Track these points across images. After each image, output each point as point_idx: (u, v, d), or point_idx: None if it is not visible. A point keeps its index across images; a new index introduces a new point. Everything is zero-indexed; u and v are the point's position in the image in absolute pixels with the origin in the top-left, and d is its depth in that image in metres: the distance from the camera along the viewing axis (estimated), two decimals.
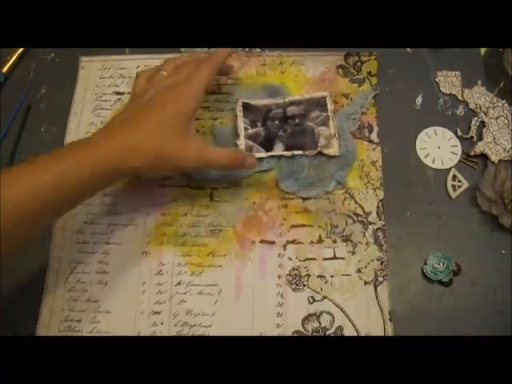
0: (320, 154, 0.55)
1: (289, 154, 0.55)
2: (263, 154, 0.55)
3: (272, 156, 0.55)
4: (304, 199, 0.54)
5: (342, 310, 0.50)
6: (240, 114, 0.56)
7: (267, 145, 0.55)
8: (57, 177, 0.42)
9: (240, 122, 0.56)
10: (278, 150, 0.55)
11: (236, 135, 0.56)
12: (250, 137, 0.56)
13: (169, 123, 0.47)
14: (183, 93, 0.48)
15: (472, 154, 0.55)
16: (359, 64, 0.60)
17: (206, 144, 0.51)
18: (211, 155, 0.49)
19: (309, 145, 0.55)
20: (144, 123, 0.46)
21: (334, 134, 0.55)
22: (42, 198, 0.41)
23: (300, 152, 0.55)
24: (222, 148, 0.52)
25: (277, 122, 0.56)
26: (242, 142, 0.55)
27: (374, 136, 0.56)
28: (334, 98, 0.58)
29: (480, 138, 0.56)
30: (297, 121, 0.56)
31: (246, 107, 0.57)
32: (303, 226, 0.53)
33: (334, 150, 0.55)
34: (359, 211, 0.53)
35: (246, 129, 0.56)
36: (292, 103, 0.57)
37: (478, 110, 0.57)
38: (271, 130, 0.56)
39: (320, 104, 0.57)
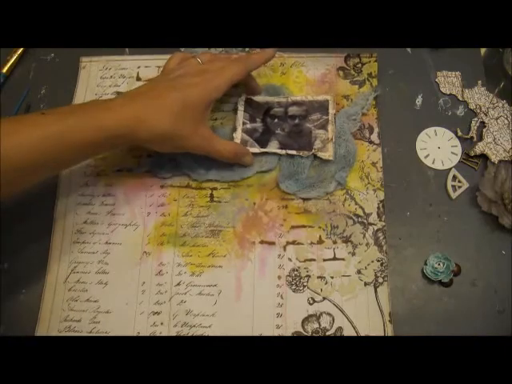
0: (314, 156, 0.55)
1: (282, 152, 0.55)
2: (257, 150, 0.55)
3: (267, 153, 0.55)
4: (304, 200, 0.54)
5: (341, 310, 0.50)
6: (241, 108, 0.57)
7: (262, 141, 0.55)
8: (65, 131, 0.43)
9: (240, 116, 0.56)
10: (273, 147, 0.55)
11: (234, 128, 0.56)
12: (246, 131, 0.56)
13: (188, 105, 0.48)
14: (210, 80, 0.49)
15: (472, 154, 0.55)
16: (359, 66, 0.60)
17: (215, 135, 0.52)
18: (217, 145, 0.51)
19: (304, 146, 0.55)
20: (164, 98, 0.47)
21: (331, 139, 0.55)
22: (47, 150, 0.42)
23: (294, 152, 0.55)
24: (228, 141, 0.54)
25: (276, 119, 0.56)
26: (238, 136, 0.55)
27: (374, 137, 0.56)
28: (335, 100, 0.58)
29: (480, 139, 0.56)
30: (296, 121, 0.56)
31: (248, 102, 0.57)
32: (303, 226, 0.53)
33: (328, 153, 0.54)
34: (359, 212, 0.53)
35: (244, 123, 0.56)
36: (294, 103, 0.57)
37: (478, 111, 0.57)
38: (269, 127, 0.56)
39: (322, 107, 0.57)
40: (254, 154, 0.55)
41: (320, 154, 0.54)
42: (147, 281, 0.52)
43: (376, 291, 0.50)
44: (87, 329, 0.50)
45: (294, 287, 0.51)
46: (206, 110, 0.50)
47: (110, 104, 0.46)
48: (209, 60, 0.53)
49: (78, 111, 0.45)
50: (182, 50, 0.61)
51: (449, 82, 0.59)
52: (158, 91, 0.48)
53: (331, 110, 0.56)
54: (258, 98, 0.57)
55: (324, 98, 0.57)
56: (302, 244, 0.52)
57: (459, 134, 0.56)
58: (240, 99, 0.57)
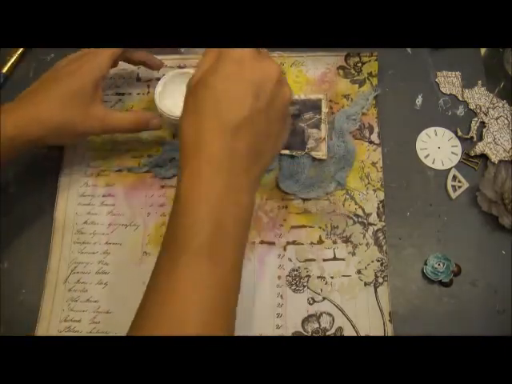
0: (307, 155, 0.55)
1: None
2: None
3: None
4: (304, 200, 0.54)
5: (341, 311, 0.50)
6: None
7: None
8: None
9: None
10: None
11: None
12: None
13: (73, 92, 0.48)
14: (89, 61, 0.50)
15: (472, 154, 0.55)
16: (360, 65, 0.60)
17: (111, 111, 0.52)
18: (113, 119, 0.51)
19: (297, 145, 0.55)
20: (51, 92, 0.48)
21: (324, 138, 0.55)
22: None
23: (287, 151, 0.55)
24: (126, 111, 0.54)
25: None
26: None
27: (374, 137, 0.56)
28: (335, 99, 0.58)
29: (480, 139, 0.56)
30: None
31: None
32: (303, 226, 0.53)
33: (322, 153, 0.54)
34: (359, 212, 0.53)
35: None
36: None
37: (478, 111, 0.57)
38: None
39: (315, 106, 0.57)
40: None
41: (313, 154, 0.54)
42: (147, 281, 0.52)
43: (376, 291, 0.50)
44: (87, 329, 0.50)
45: (294, 287, 0.51)
46: (94, 90, 0.49)
47: (2, 108, 0.47)
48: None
49: None
50: (182, 50, 0.61)
51: (449, 82, 0.59)
52: (43, 87, 0.49)
53: (324, 109, 0.56)
54: None
55: (317, 96, 0.57)
56: (302, 244, 0.52)
57: (459, 134, 0.56)
58: None
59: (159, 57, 0.60)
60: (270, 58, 0.41)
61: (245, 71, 0.39)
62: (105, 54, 0.50)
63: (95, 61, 0.50)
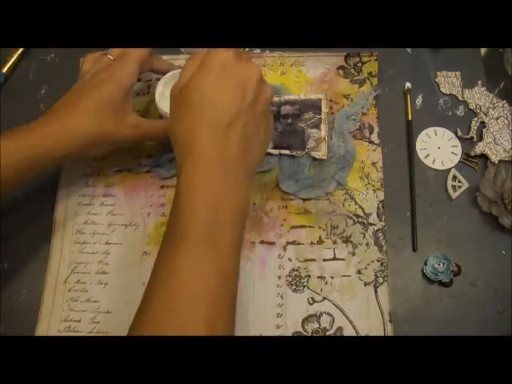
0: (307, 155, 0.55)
1: (276, 152, 0.55)
2: None
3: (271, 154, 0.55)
4: (304, 200, 0.54)
5: (341, 311, 0.50)
6: None
7: None
8: None
9: None
10: None
11: None
12: None
13: (103, 102, 0.48)
14: (117, 70, 0.50)
15: (472, 154, 0.55)
16: (360, 65, 0.60)
17: (143, 119, 0.52)
18: (147, 127, 0.51)
19: (297, 145, 0.55)
20: (82, 104, 0.48)
21: (324, 138, 0.55)
22: None
23: (287, 152, 0.55)
24: (157, 120, 0.54)
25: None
26: None
27: (374, 137, 0.56)
28: (335, 99, 0.58)
29: (480, 139, 0.56)
30: (289, 120, 0.56)
31: None
32: (303, 226, 0.53)
33: (322, 153, 0.54)
34: (359, 212, 0.53)
35: None
36: (287, 102, 0.57)
37: (478, 111, 0.57)
38: None
39: (315, 106, 0.57)
40: None
41: (313, 154, 0.54)
42: (147, 281, 0.52)
43: (376, 291, 0.50)
44: (87, 329, 0.50)
45: (294, 287, 0.51)
46: (124, 100, 0.49)
47: (31, 125, 0.47)
48: (119, 54, 0.52)
49: (2, 136, 0.45)
50: (182, 50, 0.61)
51: (449, 82, 0.59)
52: (74, 100, 0.49)
53: (324, 109, 0.56)
54: None
55: (317, 96, 0.57)
56: (302, 244, 0.52)
57: (459, 134, 0.56)
58: None
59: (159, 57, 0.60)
60: (250, 59, 0.45)
61: (229, 73, 0.42)
62: (132, 62, 0.50)
63: (124, 69, 0.50)
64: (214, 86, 0.41)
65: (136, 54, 0.51)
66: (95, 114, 0.48)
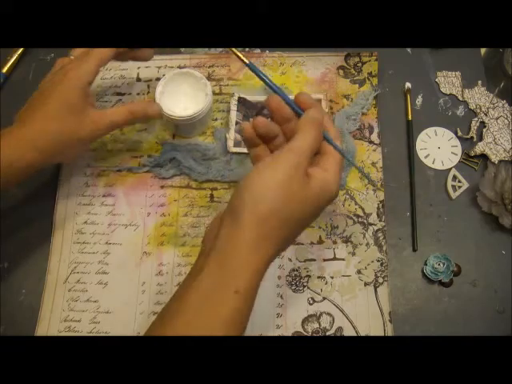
0: None
1: None
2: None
3: None
4: None
5: (341, 310, 0.50)
6: (234, 107, 0.57)
7: None
8: None
9: (233, 116, 0.56)
10: None
11: (227, 128, 0.56)
12: (240, 131, 0.56)
13: (61, 102, 0.47)
14: (74, 69, 0.49)
15: (472, 154, 0.55)
16: (360, 65, 0.60)
17: (103, 110, 0.51)
18: (109, 117, 0.49)
19: None
20: (41, 109, 0.47)
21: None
22: None
23: None
24: (119, 107, 0.53)
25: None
26: (231, 136, 0.55)
27: (374, 137, 0.56)
28: (335, 99, 0.58)
29: (480, 139, 0.56)
30: None
31: (242, 102, 0.57)
32: None
33: None
34: (359, 212, 0.53)
35: (237, 123, 0.56)
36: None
37: (478, 111, 0.57)
38: None
39: None
40: None
41: None
42: (147, 281, 0.52)
43: (376, 291, 0.50)
44: (87, 329, 0.50)
45: (293, 287, 0.51)
46: (83, 97, 0.48)
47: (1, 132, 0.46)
48: (80, 53, 0.51)
49: None
50: (182, 50, 0.61)
51: (449, 82, 0.59)
52: (34, 105, 0.48)
53: (324, 109, 0.56)
54: (251, 98, 0.57)
55: (317, 96, 0.57)
56: (302, 244, 0.52)
57: (459, 134, 0.56)
58: (233, 99, 0.57)
59: (159, 57, 0.60)
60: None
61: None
62: (89, 60, 0.49)
63: (79, 68, 0.49)
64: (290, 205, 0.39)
65: (95, 52, 0.50)
66: (55, 116, 0.47)
